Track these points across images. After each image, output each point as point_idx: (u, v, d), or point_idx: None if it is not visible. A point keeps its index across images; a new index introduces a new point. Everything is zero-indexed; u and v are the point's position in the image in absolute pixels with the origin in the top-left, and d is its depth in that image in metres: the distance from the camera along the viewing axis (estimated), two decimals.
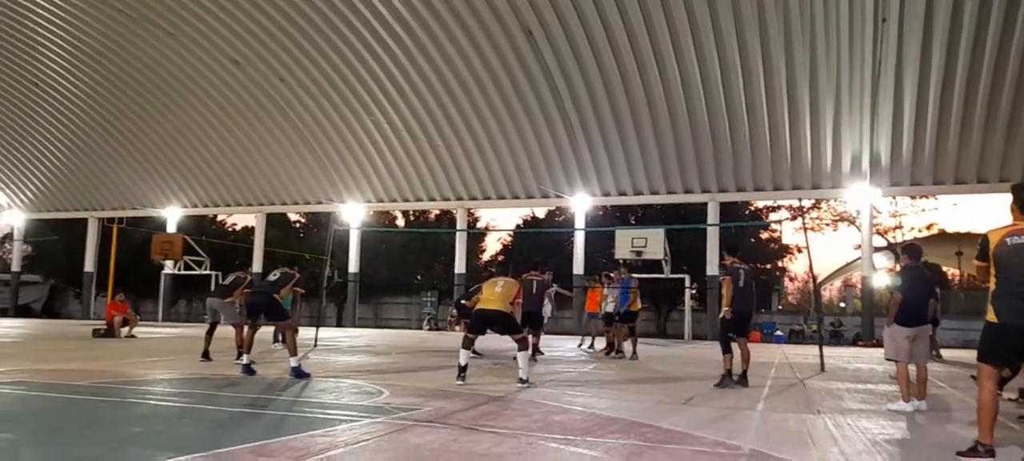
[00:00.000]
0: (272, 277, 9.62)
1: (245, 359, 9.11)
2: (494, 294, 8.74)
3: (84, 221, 35.52)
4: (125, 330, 17.34)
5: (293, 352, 9.08)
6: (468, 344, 8.73)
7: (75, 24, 26.77)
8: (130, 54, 27.37)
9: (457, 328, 28.17)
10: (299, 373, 8.70)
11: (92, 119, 31.26)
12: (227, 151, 30.50)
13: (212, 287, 30.91)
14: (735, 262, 9.07)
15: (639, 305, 14.18)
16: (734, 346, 8.96)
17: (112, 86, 29.21)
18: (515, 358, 8.75)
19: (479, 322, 8.86)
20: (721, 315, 9.01)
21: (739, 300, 8.84)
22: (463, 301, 13.56)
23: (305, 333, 18.84)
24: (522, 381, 8.31)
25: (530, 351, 11.04)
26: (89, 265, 34.71)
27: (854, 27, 19.62)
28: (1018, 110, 20.36)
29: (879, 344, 15.95)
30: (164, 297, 33.67)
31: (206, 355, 10.82)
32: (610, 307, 14.11)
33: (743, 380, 8.81)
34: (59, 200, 36.12)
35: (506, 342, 9.76)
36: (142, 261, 34.56)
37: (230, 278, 11.95)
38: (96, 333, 17.31)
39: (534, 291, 12.54)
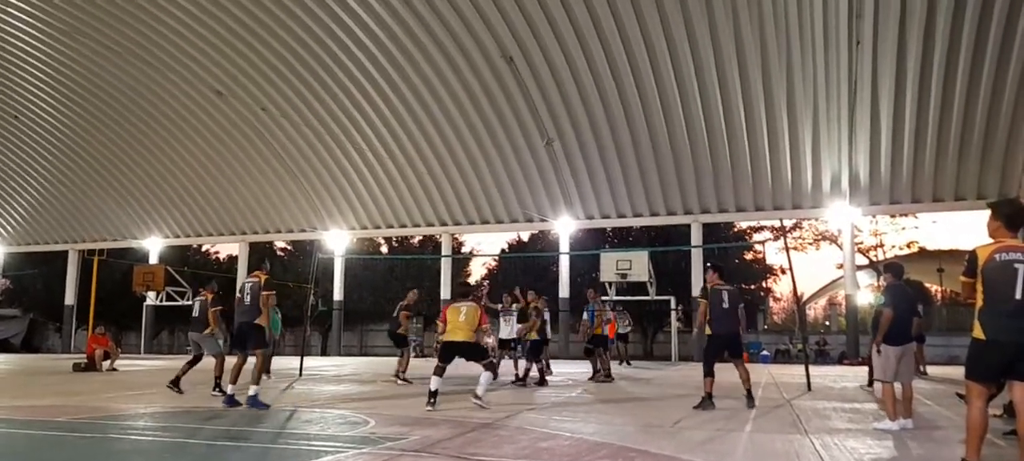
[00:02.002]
0: (247, 299, 9.07)
1: (230, 390, 8.89)
2: (458, 324, 8.77)
3: (64, 253, 35.14)
4: (107, 363, 17.09)
5: (256, 380, 8.71)
6: (440, 372, 8.73)
7: (54, 56, 26.68)
8: (110, 85, 27.28)
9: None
10: (256, 403, 8.44)
11: (72, 150, 31.05)
12: (209, 181, 30.36)
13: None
14: (718, 283, 8.96)
15: (611, 329, 13.82)
16: (735, 368, 8.96)
17: (92, 117, 29.07)
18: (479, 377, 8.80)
19: (448, 353, 8.88)
20: (697, 333, 8.96)
21: (720, 322, 8.76)
22: (398, 330, 13.12)
23: (290, 363, 18.69)
24: (476, 397, 8.54)
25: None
26: (69, 298, 34.30)
27: (829, 50, 19.93)
28: (992, 128, 20.71)
29: (865, 362, 15.98)
30: (146, 329, 33.28)
31: (176, 383, 10.55)
32: (504, 333, 13.57)
33: (750, 400, 8.79)
34: (39, 233, 35.73)
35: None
36: (124, 293, 34.20)
37: (196, 307, 11.37)
38: (77, 367, 17.03)
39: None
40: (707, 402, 8.60)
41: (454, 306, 9.05)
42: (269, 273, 9.30)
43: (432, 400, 8.42)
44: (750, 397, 8.87)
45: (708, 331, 8.82)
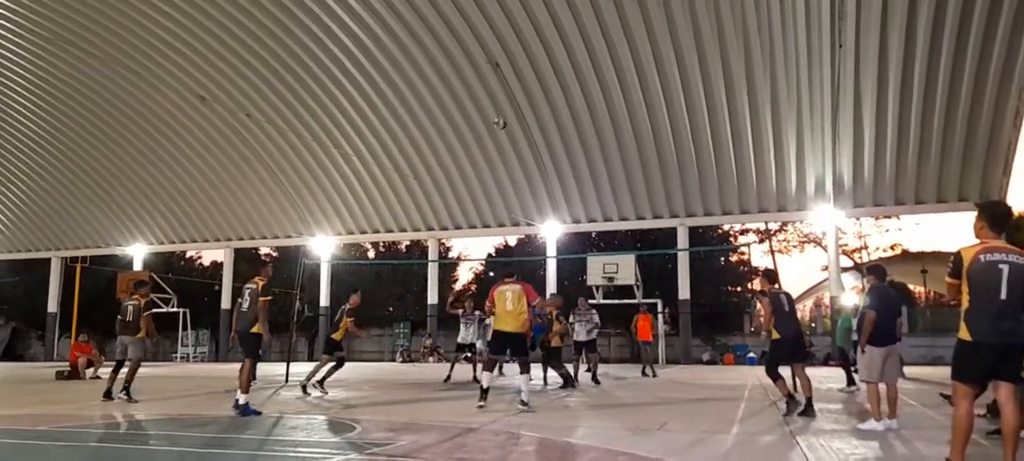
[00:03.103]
0: (245, 304, 8.77)
1: (242, 399, 8.47)
2: (506, 311, 8.58)
3: (47, 261, 34.76)
4: (90, 371, 16.91)
5: (246, 388, 8.46)
6: (490, 366, 8.65)
7: (36, 62, 26.44)
8: (92, 91, 27.07)
9: (430, 359, 28.02)
10: (247, 411, 8.28)
11: (54, 157, 30.77)
12: (194, 187, 30.16)
13: (182, 325, 30.50)
14: (772, 288, 8.65)
15: (559, 338, 13.02)
16: (794, 374, 8.66)
17: (74, 123, 28.82)
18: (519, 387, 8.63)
19: (498, 344, 8.75)
20: (767, 336, 8.48)
21: (786, 324, 8.39)
22: (333, 335, 12.25)
23: (276, 369, 18.57)
24: (523, 403, 8.37)
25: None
26: (52, 305, 33.96)
27: (812, 53, 20.07)
28: (973, 131, 20.93)
29: (840, 364, 16.10)
30: None
31: (108, 395, 10.36)
32: (462, 337, 13.78)
33: (809, 409, 8.11)
34: (21, 240, 35.36)
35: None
36: (107, 300, 33.86)
37: (129, 310, 10.82)
38: (60, 375, 16.83)
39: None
40: (792, 403, 8.28)
41: (500, 290, 8.77)
42: (271, 276, 8.96)
43: (483, 398, 8.34)
44: (810, 407, 8.12)
45: (774, 335, 8.41)
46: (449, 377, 14.02)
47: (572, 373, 13.30)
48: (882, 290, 7.43)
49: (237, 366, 8.98)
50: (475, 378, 12.88)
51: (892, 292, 7.77)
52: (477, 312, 13.64)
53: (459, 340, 13.99)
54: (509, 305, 8.58)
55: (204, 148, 28.33)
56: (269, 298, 8.66)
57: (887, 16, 18.80)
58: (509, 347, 8.74)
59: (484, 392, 8.45)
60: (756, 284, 8.68)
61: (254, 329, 8.60)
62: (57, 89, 27.46)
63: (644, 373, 16.92)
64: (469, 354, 13.87)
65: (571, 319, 14.26)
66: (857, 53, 19.77)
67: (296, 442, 6.63)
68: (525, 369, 8.64)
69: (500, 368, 9.12)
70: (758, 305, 8.54)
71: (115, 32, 24.23)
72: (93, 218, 32.94)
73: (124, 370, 10.87)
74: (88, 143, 29.57)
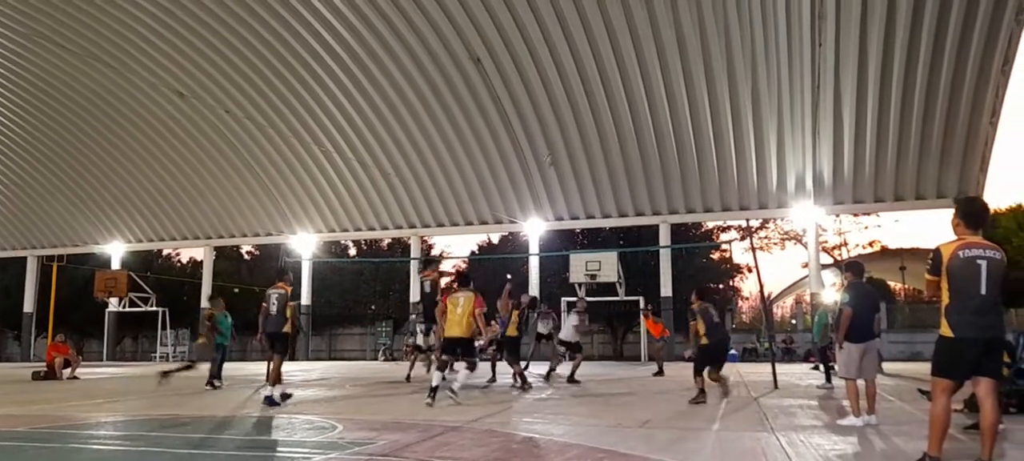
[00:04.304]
0: (273, 308, 9.70)
1: (273, 392, 9.45)
2: (455, 318, 9.23)
3: (22, 260, 34.29)
4: (67, 372, 16.71)
5: (276, 381, 9.51)
6: (442, 366, 9.26)
7: (11, 57, 26.00)
8: (68, 86, 26.68)
9: (411, 358, 27.87)
10: (272, 401, 9.24)
11: (30, 154, 30.33)
12: (173, 184, 29.84)
13: (161, 324, 30.23)
14: (704, 304, 9.58)
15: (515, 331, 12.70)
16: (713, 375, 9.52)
17: (50, 119, 28.40)
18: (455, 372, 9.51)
19: (448, 347, 9.49)
20: (696, 345, 9.57)
21: (713, 333, 9.38)
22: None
23: (257, 368, 18.44)
24: (452, 391, 9.00)
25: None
26: (28, 305, 33.49)
27: (793, 52, 20.19)
28: (950, 128, 21.16)
29: (815, 359, 16.35)
30: (109, 336, 32.61)
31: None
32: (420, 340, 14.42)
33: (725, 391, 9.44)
34: None
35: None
36: (85, 299, 33.51)
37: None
38: (36, 376, 16.64)
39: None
40: (701, 396, 9.24)
41: (453, 297, 9.45)
42: (291, 283, 10.07)
43: (432, 397, 8.80)
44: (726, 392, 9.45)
45: (704, 341, 9.34)
46: (408, 377, 14.20)
47: (551, 370, 13.95)
48: (860, 286, 7.49)
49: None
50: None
51: (870, 288, 7.83)
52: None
53: (415, 342, 14.79)
54: (458, 310, 9.24)
55: (183, 145, 28.02)
56: (296, 302, 9.98)
57: (866, 15, 18.95)
58: (458, 349, 9.40)
59: (433, 390, 8.88)
60: (694, 302, 9.69)
61: (285, 329, 9.69)
62: (32, 84, 27.03)
63: (660, 371, 16.31)
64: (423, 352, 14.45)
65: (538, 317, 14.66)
66: (837, 52, 19.91)
67: (276, 442, 6.58)
68: (471, 368, 9.48)
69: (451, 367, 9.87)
70: (695, 322, 9.60)
71: (91, 27, 23.86)
72: (70, 216, 32.51)
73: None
74: (64, 139, 29.15)
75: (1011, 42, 18.74)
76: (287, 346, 9.88)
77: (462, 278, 10.88)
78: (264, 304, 9.88)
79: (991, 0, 18.02)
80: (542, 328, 14.76)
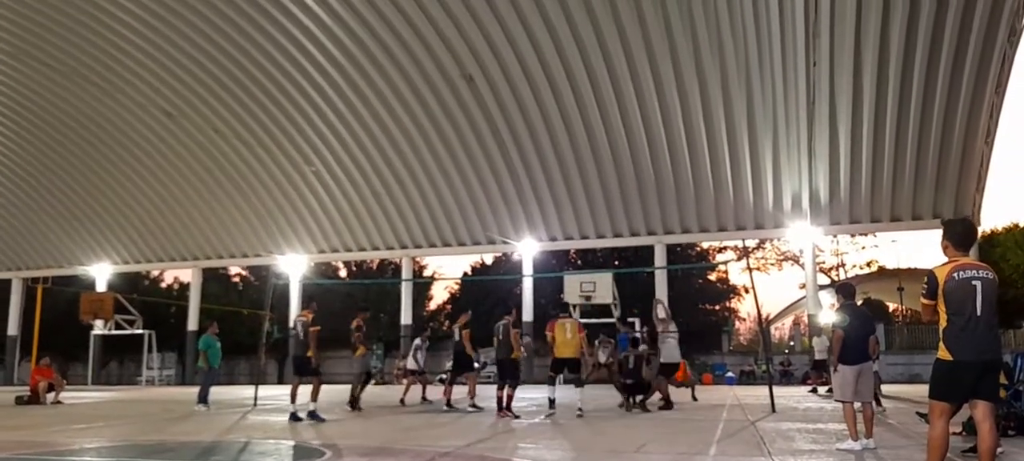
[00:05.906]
0: (300, 335, 10.62)
1: (312, 408, 10.27)
2: (566, 340, 10.54)
3: (7, 282, 33.87)
4: (51, 396, 16.33)
5: (314, 398, 10.42)
6: (552, 381, 10.64)
7: None
8: (54, 106, 26.42)
9: (403, 381, 27.45)
10: (315, 416, 10.13)
11: (15, 174, 30.02)
12: (160, 205, 29.54)
13: (147, 347, 29.85)
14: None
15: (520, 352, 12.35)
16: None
17: (36, 139, 28.12)
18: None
19: (558, 366, 10.78)
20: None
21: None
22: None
23: (244, 392, 18.10)
24: (579, 411, 10.55)
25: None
26: (12, 328, 33.05)
27: (788, 71, 20.13)
28: (946, 148, 21.10)
29: (810, 381, 16.13)
30: (94, 359, 32.13)
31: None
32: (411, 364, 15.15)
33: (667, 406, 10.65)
34: None
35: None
36: (70, 322, 33.01)
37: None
38: (19, 400, 16.23)
39: (501, 336, 11.41)
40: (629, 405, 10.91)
41: (560, 323, 10.65)
42: (315, 311, 10.87)
43: (552, 409, 10.42)
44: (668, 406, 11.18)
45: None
46: (402, 400, 14.42)
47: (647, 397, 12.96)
48: (852, 308, 7.40)
49: None
50: (424, 398, 14.29)
51: (862, 310, 7.75)
52: (416, 340, 15.32)
53: (409, 366, 15.34)
54: (569, 335, 10.72)
55: (171, 165, 27.74)
56: (318, 328, 10.58)
57: (861, 35, 18.92)
58: (569, 369, 11.00)
59: (552, 402, 10.77)
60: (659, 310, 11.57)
61: (309, 354, 10.55)
62: (17, 103, 26.77)
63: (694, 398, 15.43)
64: (423, 374, 14.88)
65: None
66: (832, 71, 19.86)
67: None
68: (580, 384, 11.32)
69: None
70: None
71: (78, 45, 23.67)
72: (55, 237, 32.12)
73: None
74: (50, 159, 28.83)
75: (1004, 64, 18.72)
76: (310, 367, 10.63)
77: (561, 306, 13.01)
78: (292, 331, 10.79)
79: (985, 20, 18.00)
80: (602, 356, 13.61)
